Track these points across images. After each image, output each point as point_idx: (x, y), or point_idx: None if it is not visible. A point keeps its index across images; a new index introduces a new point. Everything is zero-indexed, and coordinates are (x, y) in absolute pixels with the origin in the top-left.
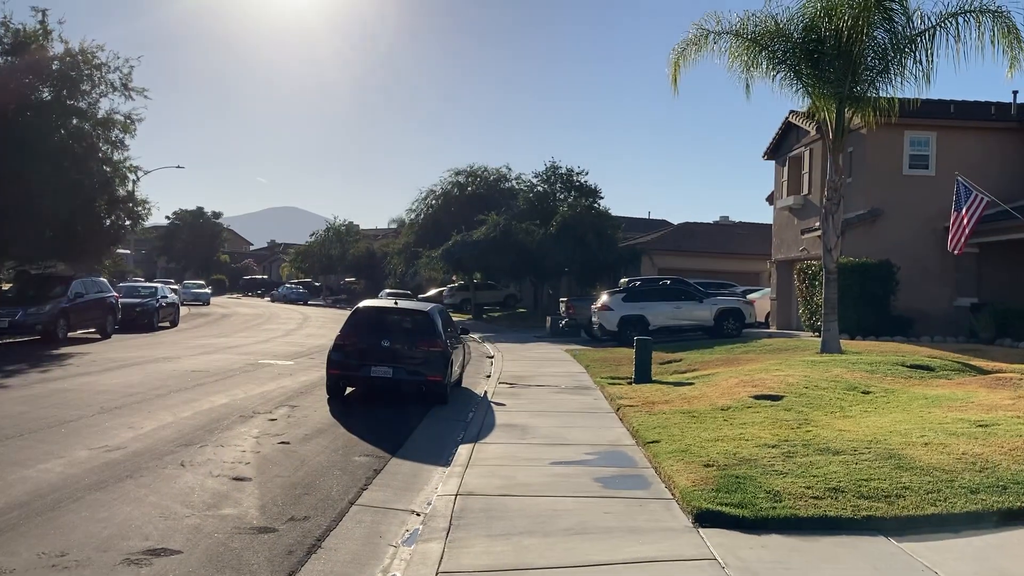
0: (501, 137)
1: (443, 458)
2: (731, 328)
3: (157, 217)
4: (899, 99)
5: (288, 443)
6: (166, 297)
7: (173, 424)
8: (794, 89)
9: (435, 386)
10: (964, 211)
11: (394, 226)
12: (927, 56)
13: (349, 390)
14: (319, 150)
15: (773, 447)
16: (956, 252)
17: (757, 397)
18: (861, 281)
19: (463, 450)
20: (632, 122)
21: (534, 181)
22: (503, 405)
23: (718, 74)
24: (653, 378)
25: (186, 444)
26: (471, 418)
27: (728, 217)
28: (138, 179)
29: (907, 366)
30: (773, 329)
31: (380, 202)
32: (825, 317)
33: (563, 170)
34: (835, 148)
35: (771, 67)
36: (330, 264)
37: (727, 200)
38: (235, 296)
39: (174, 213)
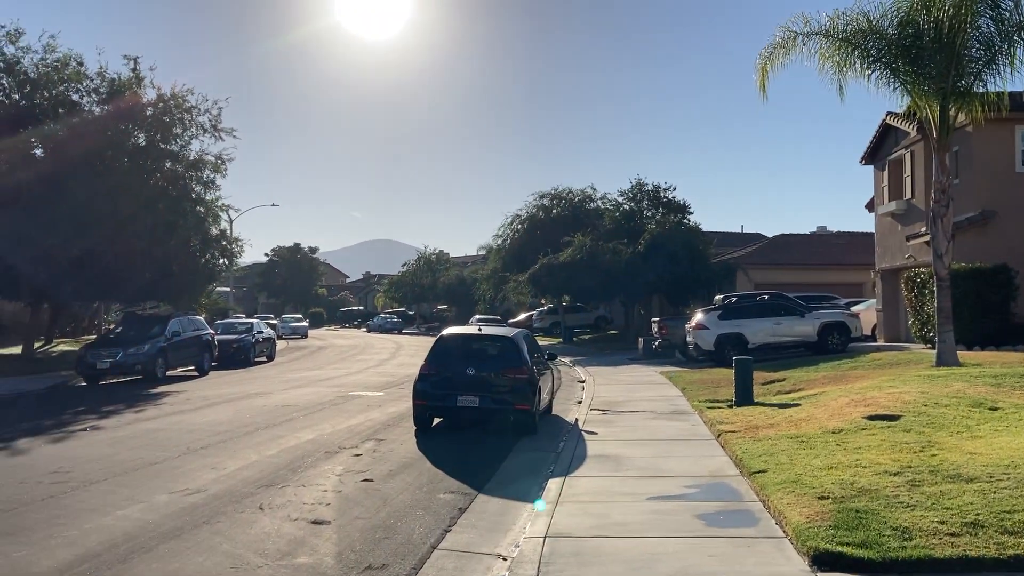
0: (586, 158)
1: (532, 494)
2: (836, 343)
3: (256, 255)
4: (1008, 92)
5: (371, 480)
6: (262, 332)
7: (257, 463)
8: (892, 88)
9: (523, 415)
10: None
11: (483, 252)
12: None
13: (437, 421)
14: (411, 183)
15: (895, 475)
16: None
17: (871, 418)
18: (976, 288)
19: (553, 484)
20: (720, 134)
21: (620, 200)
22: (595, 434)
23: (808, 79)
24: (755, 400)
25: (267, 485)
26: (561, 448)
27: (825, 227)
28: (230, 218)
29: None
30: (881, 342)
31: (470, 230)
32: (939, 327)
33: (649, 187)
34: (940, 147)
35: (865, 66)
36: (422, 293)
37: (824, 209)
38: (333, 328)
39: (272, 250)
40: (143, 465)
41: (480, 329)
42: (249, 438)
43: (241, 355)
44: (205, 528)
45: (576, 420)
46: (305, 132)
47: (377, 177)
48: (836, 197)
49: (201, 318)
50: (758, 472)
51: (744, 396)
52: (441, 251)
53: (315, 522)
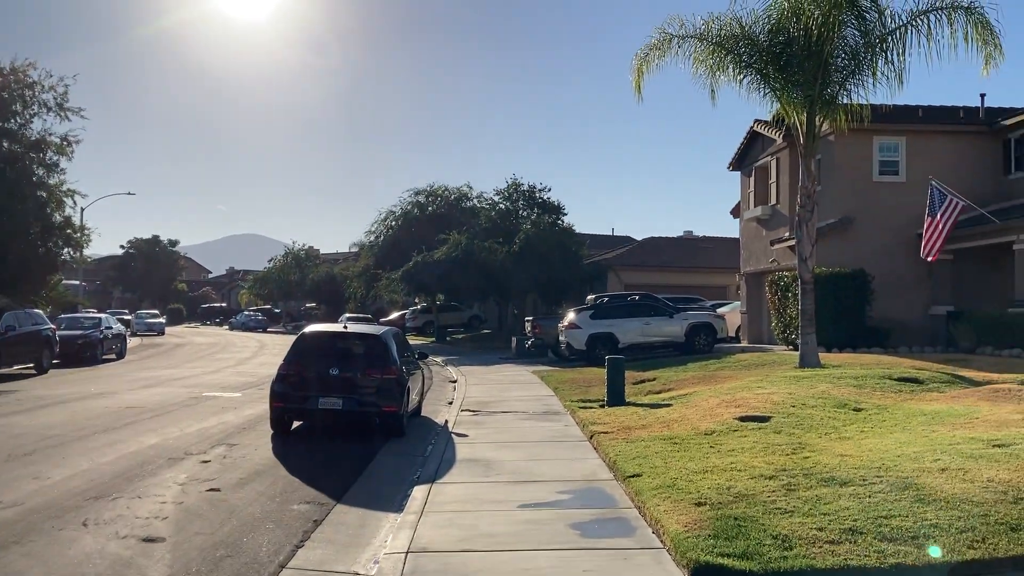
0: (462, 156)
1: (395, 502)
2: (703, 344)
3: (111, 246)
4: (869, 104)
5: (218, 490)
6: (111, 328)
7: (88, 472)
8: (762, 93)
9: (390, 417)
10: (939, 216)
11: (355, 250)
12: (899, 55)
13: (297, 424)
14: (279, 176)
15: (770, 478)
16: (931, 259)
17: (742, 419)
18: (835, 292)
19: (418, 492)
20: (592, 138)
21: (496, 199)
22: (465, 436)
23: (681, 84)
24: (627, 400)
25: (97, 496)
26: (429, 452)
27: (692, 231)
28: (75, 204)
29: (894, 379)
30: (745, 343)
31: (342, 227)
32: (802, 329)
33: (525, 187)
34: (807, 153)
35: (737, 71)
36: (290, 290)
37: (691, 215)
38: (193, 325)
39: (128, 242)
40: None
41: (346, 327)
42: (83, 443)
43: (87, 352)
44: (15, 549)
45: (446, 422)
46: (172, 121)
47: (244, 169)
48: (703, 202)
49: (40, 312)
50: (632, 476)
51: (616, 396)
52: (311, 247)
53: (147, 539)
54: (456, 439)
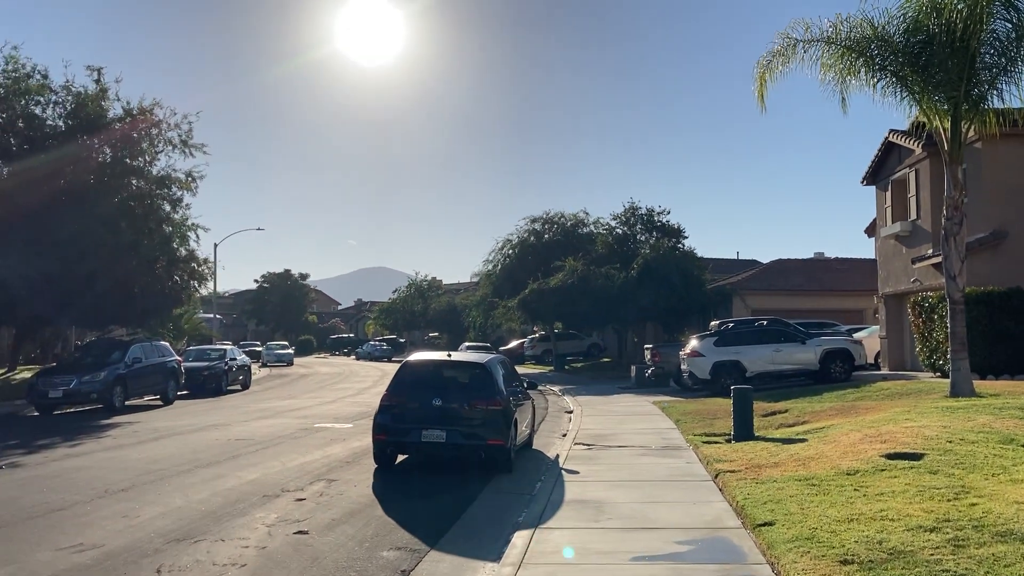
0: (578, 184)
1: (494, 550)
2: (839, 372)
3: (246, 281)
4: (1015, 107)
5: (306, 533)
6: (235, 359)
7: (178, 510)
8: (899, 98)
9: (496, 451)
10: None
11: (475, 279)
12: None
13: (402, 458)
14: (406, 210)
15: (932, 531)
16: None
17: (890, 456)
18: (989, 312)
19: (519, 538)
20: (715, 159)
21: (613, 224)
22: (577, 473)
23: (804, 97)
24: (756, 434)
25: (180, 538)
26: (537, 490)
27: (823, 253)
28: (198, 238)
29: None
30: (886, 370)
31: (465, 257)
32: (952, 354)
33: (643, 211)
34: (952, 160)
35: (870, 75)
36: (413, 320)
37: (821, 236)
38: (322, 356)
39: (262, 276)
40: (44, 512)
41: (449, 355)
42: (183, 478)
43: (212, 383)
44: None
45: (557, 456)
46: (302, 160)
47: (373, 205)
48: (834, 222)
49: (166, 344)
50: (764, 525)
51: (744, 430)
52: (433, 278)
53: None
54: (566, 476)
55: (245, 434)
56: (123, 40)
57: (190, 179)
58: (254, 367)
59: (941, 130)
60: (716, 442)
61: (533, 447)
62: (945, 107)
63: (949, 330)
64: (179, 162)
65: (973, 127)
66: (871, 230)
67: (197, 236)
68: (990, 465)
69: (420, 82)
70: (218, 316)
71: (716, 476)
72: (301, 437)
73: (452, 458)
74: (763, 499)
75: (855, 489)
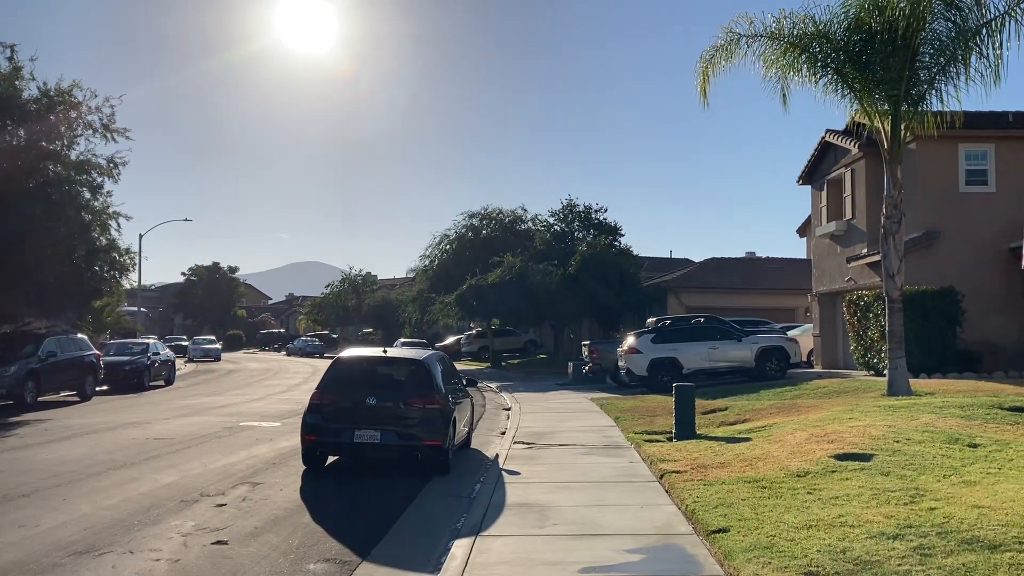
0: (517, 179)
1: (431, 560)
2: (775, 369)
3: (173, 274)
4: (960, 105)
5: (226, 543)
6: (158, 354)
7: (85, 518)
8: (840, 95)
9: (434, 452)
10: None
11: (412, 275)
12: (995, 49)
13: (333, 459)
14: (341, 204)
15: (895, 538)
16: None
17: (839, 457)
18: (922, 312)
19: (459, 548)
20: (649, 160)
21: (551, 220)
22: (518, 474)
23: (736, 102)
24: (698, 432)
25: (83, 551)
26: (477, 492)
27: (754, 252)
28: (119, 227)
29: (1006, 409)
30: (819, 368)
31: (401, 252)
32: (890, 353)
33: (580, 208)
34: (892, 159)
35: (812, 71)
36: (347, 315)
37: (753, 236)
38: (251, 351)
39: (189, 269)
40: None
41: (385, 351)
42: (93, 481)
43: (134, 379)
44: None
45: (497, 456)
46: (235, 153)
47: (307, 198)
48: (766, 223)
49: (84, 337)
50: (718, 532)
51: (686, 428)
52: (368, 272)
53: None
54: (507, 477)
55: (165, 433)
56: (47, 25)
57: (112, 165)
58: (179, 362)
59: (881, 129)
60: (658, 440)
61: (472, 446)
62: (886, 106)
63: (887, 328)
64: (100, 147)
65: (912, 127)
66: (803, 230)
67: (118, 225)
68: (940, 466)
69: (356, 76)
70: (143, 309)
71: (661, 477)
72: (225, 436)
73: (387, 459)
74: (714, 502)
75: (808, 492)
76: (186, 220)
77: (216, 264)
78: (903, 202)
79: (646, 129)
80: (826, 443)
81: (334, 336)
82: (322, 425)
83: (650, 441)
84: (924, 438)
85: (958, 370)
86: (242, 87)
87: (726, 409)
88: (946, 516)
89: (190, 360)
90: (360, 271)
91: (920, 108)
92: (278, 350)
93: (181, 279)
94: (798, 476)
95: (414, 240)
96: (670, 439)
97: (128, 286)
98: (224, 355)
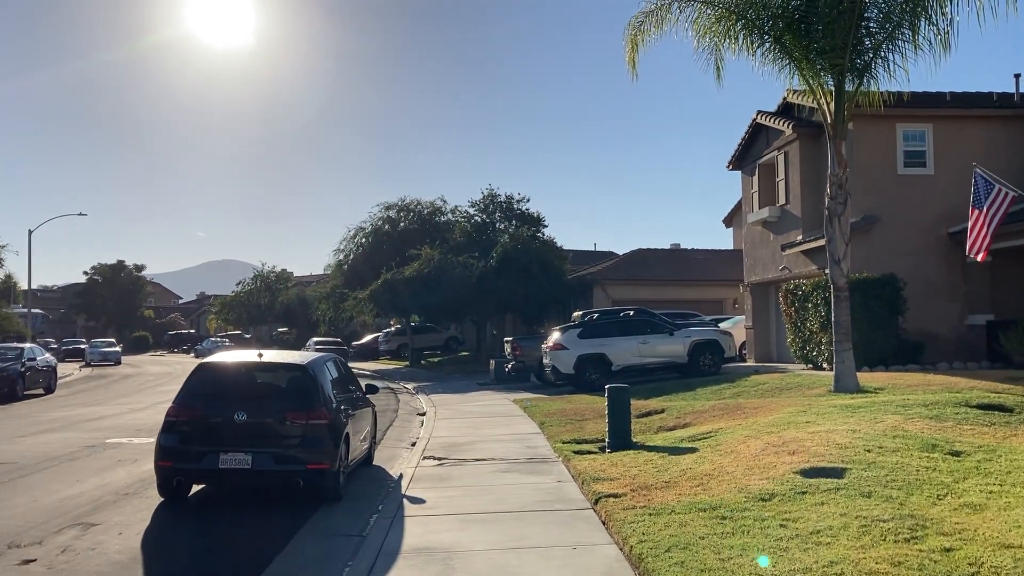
0: (437, 173)
1: None
2: (708, 364)
3: (73, 274)
4: (895, 84)
5: None
6: (34, 360)
7: None
8: (779, 67)
9: (319, 477)
10: (986, 209)
11: (328, 271)
12: (944, 15)
13: (197, 488)
14: (258, 202)
15: None
16: (979, 258)
17: (806, 473)
18: (864, 300)
19: None
20: (569, 148)
21: (471, 211)
22: (422, 502)
23: (660, 88)
24: (634, 440)
25: None
26: (369, 530)
27: (679, 244)
28: None
29: (975, 406)
30: (752, 362)
31: (320, 248)
32: (836, 345)
33: (502, 198)
34: (836, 134)
35: (750, 40)
36: (260, 314)
37: (677, 228)
38: (159, 353)
39: (92, 268)
40: None
41: (260, 355)
42: None
43: (4, 387)
44: None
45: (401, 476)
46: (148, 149)
47: (223, 196)
48: (690, 214)
49: None
50: None
51: (621, 437)
52: (283, 270)
53: None
54: (409, 507)
55: (9, 455)
56: None
57: None
58: (75, 367)
59: (823, 102)
60: (589, 452)
61: (374, 463)
62: (829, 78)
63: (833, 319)
64: None
65: (857, 98)
66: (730, 219)
67: None
68: (928, 482)
69: (273, 68)
70: (38, 311)
71: (596, 502)
72: (81, 458)
73: (263, 487)
74: (665, 543)
75: (781, 525)
76: (81, 214)
77: (120, 262)
78: (848, 182)
79: (567, 120)
80: (786, 454)
81: (246, 336)
82: (179, 448)
83: (580, 453)
84: (897, 445)
85: (901, 362)
86: (154, 79)
87: (663, 411)
88: (973, 563)
89: (87, 364)
90: (273, 268)
91: (865, 79)
92: (187, 352)
93: (82, 279)
94: (762, 500)
95: (334, 238)
96: (603, 449)
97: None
98: (128, 358)
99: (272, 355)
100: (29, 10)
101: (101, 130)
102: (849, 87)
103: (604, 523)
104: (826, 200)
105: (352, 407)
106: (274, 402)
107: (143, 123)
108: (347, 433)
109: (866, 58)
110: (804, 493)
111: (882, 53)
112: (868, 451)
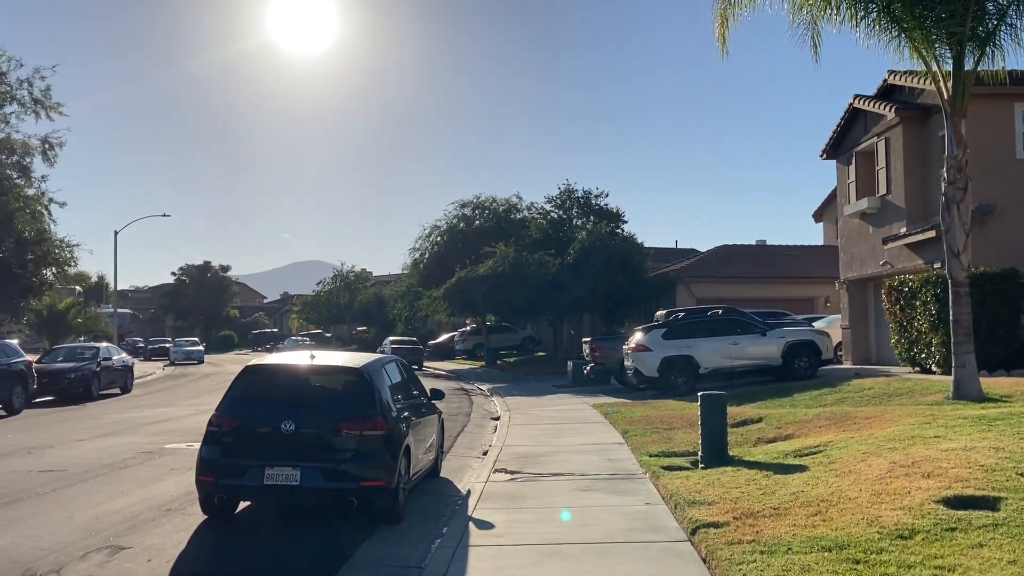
0: (515, 171)
1: None
2: (804, 367)
3: (163, 275)
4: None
5: None
6: (109, 359)
7: None
8: (887, 39)
9: (376, 495)
10: None
11: (405, 271)
12: None
13: (244, 505)
14: (344, 203)
15: None
16: None
17: (949, 503)
18: (981, 297)
19: None
20: (651, 143)
21: (547, 207)
22: (491, 528)
23: (733, 77)
24: (731, 454)
25: None
26: (429, 560)
27: (764, 241)
28: (51, 216)
29: None
30: (849, 365)
31: (400, 248)
32: (955, 347)
33: (579, 193)
34: (955, 111)
35: (853, 10)
36: (339, 313)
37: (760, 224)
38: (242, 352)
39: (179, 269)
40: None
41: (312, 356)
42: None
43: (79, 387)
44: None
45: (469, 493)
46: (237, 153)
47: (309, 198)
48: (775, 210)
49: (12, 343)
50: None
51: (716, 451)
52: (363, 269)
53: None
54: (475, 534)
55: (62, 461)
56: (38, 24)
57: (48, 146)
58: (158, 366)
59: (940, 76)
60: (680, 467)
61: (441, 474)
62: (945, 49)
63: (951, 318)
64: (31, 125)
65: (976, 73)
66: (820, 214)
67: (49, 213)
68: None
69: (352, 72)
70: (127, 311)
71: (693, 533)
72: (134, 465)
73: (313, 506)
74: None
75: (934, 572)
76: (164, 216)
77: (207, 263)
78: (968, 164)
79: (647, 114)
80: (920, 477)
81: (327, 335)
82: (222, 461)
83: (670, 468)
84: None
85: (1021, 366)
86: (240, 86)
87: (760, 420)
88: None
89: (171, 363)
90: (353, 267)
91: (988, 50)
92: (269, 350)
93: (170, 280)
94: (902, 537)
95: (412, 237)
96: (695, 464)
97: (59, 283)
98: (212, 356)
99: (326, 357)
100: (124, 20)
101: (192, 137)
102: (969, 61)
103: (705, 561)
104: (943, 185)
105: (415, 415)
106: (325, 410)
107: (231, 130)
108: (407, 445)
109: (989, 25)
110: (953, 530)
111: (1008, 18)
112: (1022, 475)
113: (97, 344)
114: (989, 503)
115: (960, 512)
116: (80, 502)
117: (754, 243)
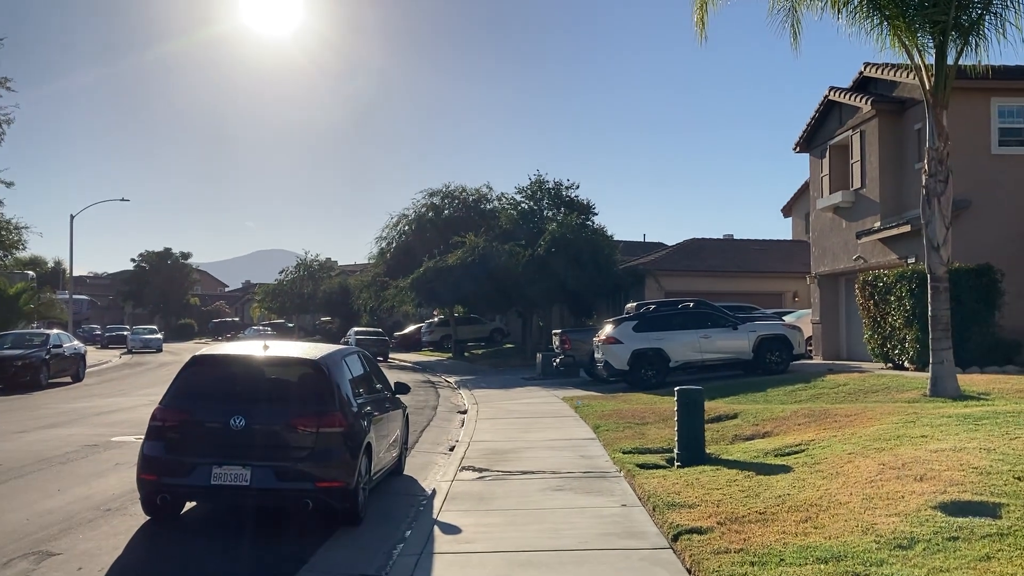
0: (484, 162)
1: None
2: (776, 362)
3: (123, 261)
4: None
5: None
6: (60, 346)
7: None
8: (868, 27)
9: (332, 497)
10: None
11: (372, 260)
12: None
13: (190, 505)
14: (308, 192)
15: None
16: None
17: (947, 509)
18: (956, 293)
19: None
20: (619, 135)
21: (518, 198)
22: (457, 532)
23: (703, 72)
24: (707, 451)
25: None
26: (389, 570)
27: (732, 235)
28: None
29: None
30: (819, 360)
31: (365, 237)
32: (933, 343)
33: (550, 184)
34: (936, 103)
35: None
36: (303, 303)
37: (729, 218)
38: (202, 341)
39: (139, 255)
40: None
41: (266, 347)
42: None
43: (26, 375)
44: None
45: (434, 492)
46: (200, 139)
47: (272, 186)
48: (743, 205)
49: None
50: None
51: (693, 448)
52: (328, 258)
53: None
54: (441, 540)
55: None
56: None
57: None
58: (116, 354)
59: (922, 66)
60: (656, 465)
61: (405, 472)
62: (928, 39)
63: (929, 314)
64: None
65: (957, 64)
66: (789, 208)
67: None
68: None
69: (319, 58)
70: (84, 297)
71: (675, 539)
72: (75, 460)
73: (265, 508)
74: None
75: None
76: (123, 200)
77: (167, 249)
78: (949, 157)
79: (616, 106)
80: (912, 480)
81: (289, 325)
82: (165, 458)
83: (646, 467)
84: None
85: (996, 363)
86: (203, 72)
87: (735, 416)
88: None
89: (129, 351)
90: (317, 256)
91: (971, 40)
92: (230, 339)
93: (130, 266)
94: (901, 548)
95: (378, 225)
96: (671, 462)
97: (9, 267)
98: (171, 345)
99: (281, 348)
100: (82, 7)
101: (155, 123)
102: (952, 51)
103: (690, 572)
104: (923, 178)
105: (378, 409)
106: (279, 405)
107: (195, 116)
108: (368, 442)
109: (973, 14)
110: (956, 539)
111: (993, 7)
112: (1017, 477)
113: (48, 331)
114: (989, 510)
115: (960, 519)
116: (11, 501)
117: (722, 237)
